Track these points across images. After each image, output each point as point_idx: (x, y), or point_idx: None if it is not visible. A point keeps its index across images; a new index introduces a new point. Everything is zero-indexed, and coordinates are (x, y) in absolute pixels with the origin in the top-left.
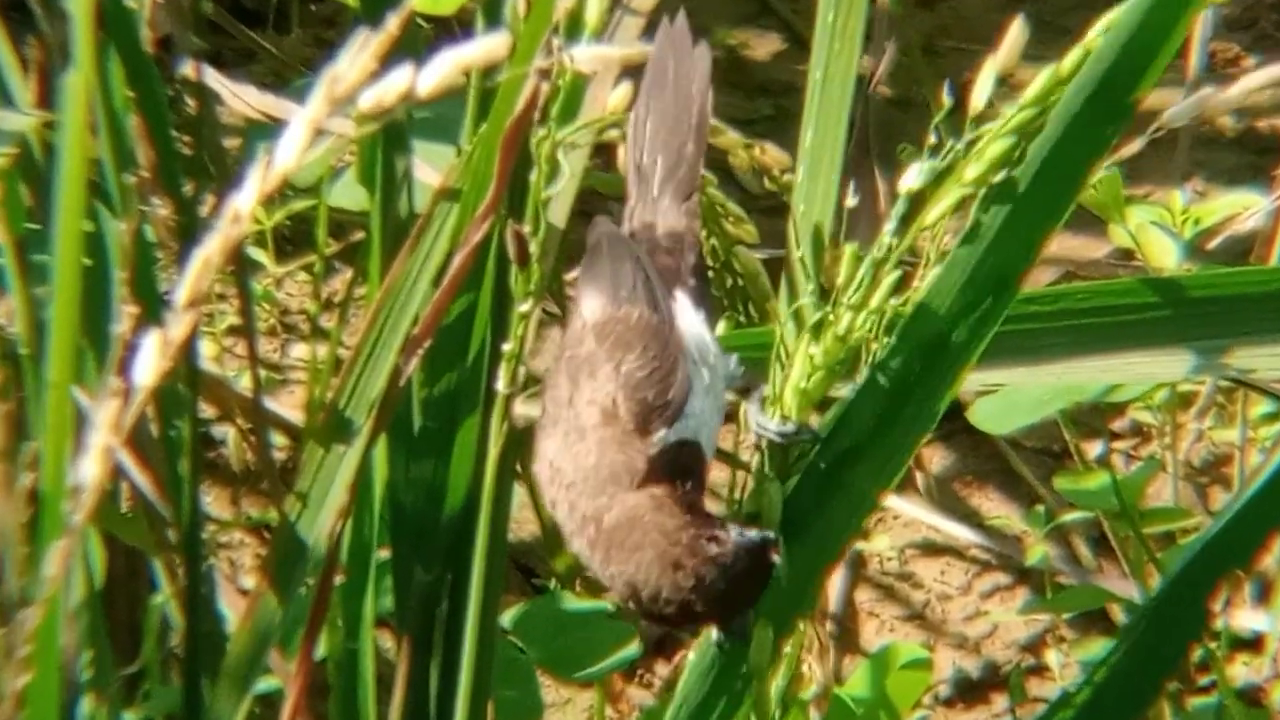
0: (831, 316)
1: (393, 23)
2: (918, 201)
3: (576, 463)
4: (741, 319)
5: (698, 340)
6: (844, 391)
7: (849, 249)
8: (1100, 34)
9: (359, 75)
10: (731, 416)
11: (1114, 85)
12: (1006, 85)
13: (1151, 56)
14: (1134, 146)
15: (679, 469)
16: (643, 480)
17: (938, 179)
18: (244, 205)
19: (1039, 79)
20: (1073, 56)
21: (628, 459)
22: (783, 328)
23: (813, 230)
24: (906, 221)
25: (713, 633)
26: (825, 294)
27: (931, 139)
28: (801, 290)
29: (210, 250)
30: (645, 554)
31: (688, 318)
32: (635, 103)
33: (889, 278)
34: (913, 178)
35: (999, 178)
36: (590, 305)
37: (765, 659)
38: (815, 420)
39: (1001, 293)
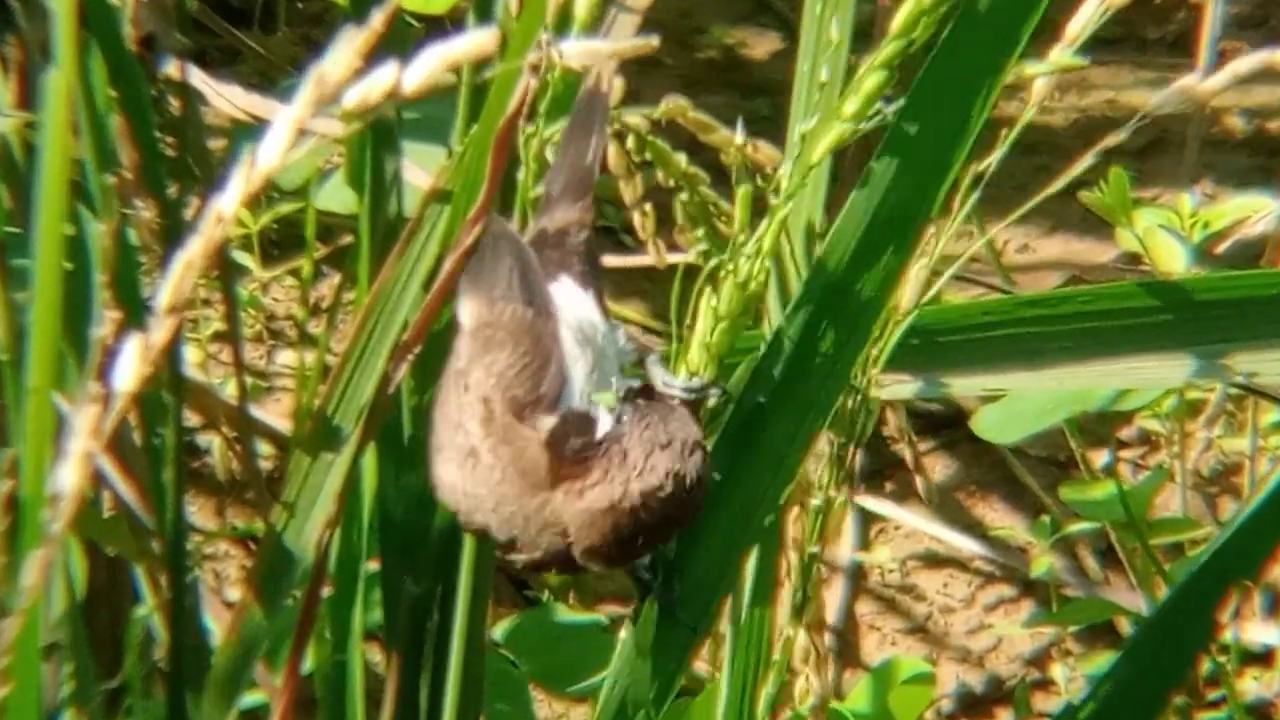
0: (730, 265)
1: (378, 19)
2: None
3: (488, 484)
4: None
5: (582, 321)
6: None
7: (741, 190)
8: None
9: (344, 73)
10: None
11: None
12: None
13: None
14: (1119, 136)
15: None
16: (551, 470)
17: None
18: (227, 206)
19: (904, 7)
20: None
21: (528, 457)
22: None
23: (805, 226)
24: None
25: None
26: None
27: None
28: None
29: (193, 253)
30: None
31: (573, 299)
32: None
33: (779, 215)
34: (808, 121)
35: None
36: (466, 312)
37: (647, 635)
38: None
39: (903, 240)
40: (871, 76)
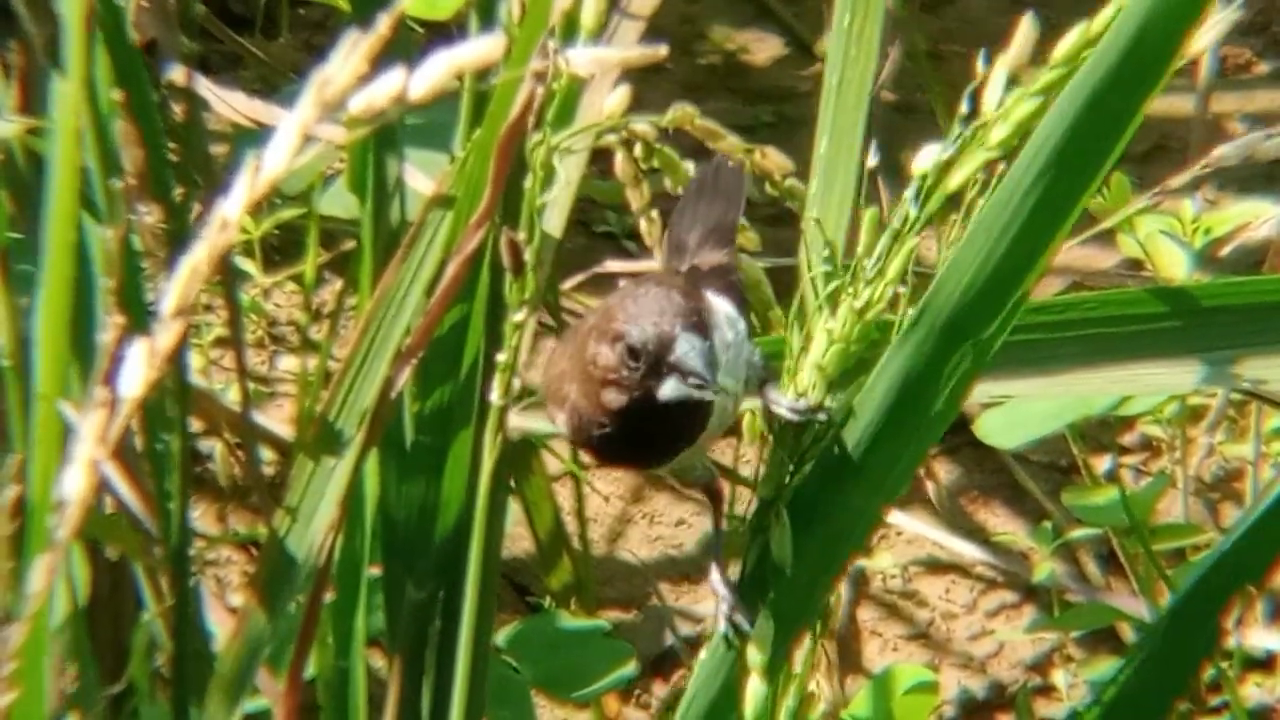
0: (850, 289)
1: (383, 24)
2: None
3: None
4: None
5: (728, 313)
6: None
7: (869, 214)
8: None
9: (349, 78)
10: (732, 431)
11: (1146, 43)
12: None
13: (1183, 21)
14: (1183, 178)
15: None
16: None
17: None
18: (232, 212)
19: (1069, 37)
20: (1103, 17)
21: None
22: (794, 318)
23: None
24: (929, 195)
25: (720, 626)
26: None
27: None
28: (816, 291)
29: (198, 258)
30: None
31: (724, 303)
32: (679, 206)
33: (907, 245)
34: (926, 159)
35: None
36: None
37: (764, 653)
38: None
39: (1027, 268)
40: (1022, 105)
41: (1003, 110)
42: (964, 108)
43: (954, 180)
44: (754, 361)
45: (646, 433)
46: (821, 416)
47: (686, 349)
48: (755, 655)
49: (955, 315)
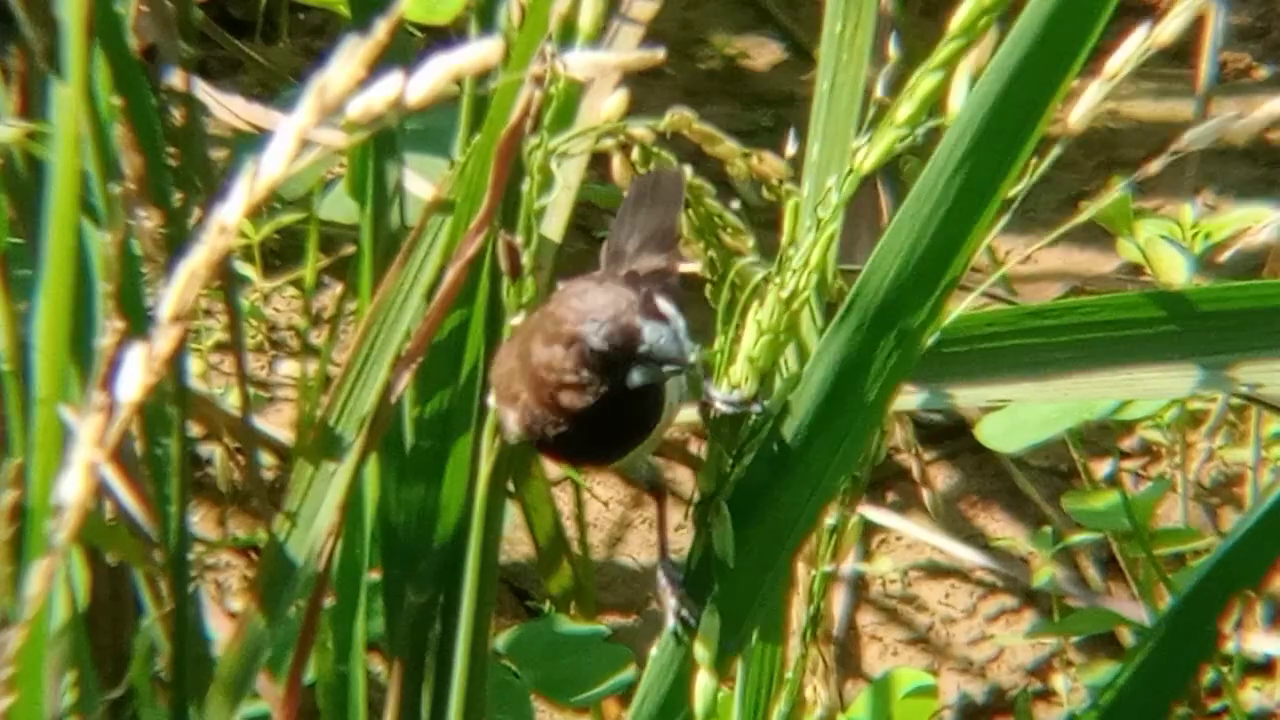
0: (777, 279)
1: (382, 29)
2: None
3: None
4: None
5: (669, 310)
6: None
7: (791, 202)
8: None
9: (348, 83)
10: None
11: (1064, 21)
12: None
13: None
14: (1153, 167)
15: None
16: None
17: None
18: (230, 217)
19: (964, 7)
20: None
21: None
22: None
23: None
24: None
25: (669, 622)
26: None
27: None
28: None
29: (196, 262)
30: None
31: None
32: (618, 215)
33: (827, 232)
34: (861, 139)
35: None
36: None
37: (711, 647)
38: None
39: (954, 254)
40: (926, 80)
41: (908, 87)
42: (879, 91)
43: (867, 163)
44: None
45: (605, 430)
46: (756, 409)
47: (656, 336)
48: (703, 651)
49: (885, 304)
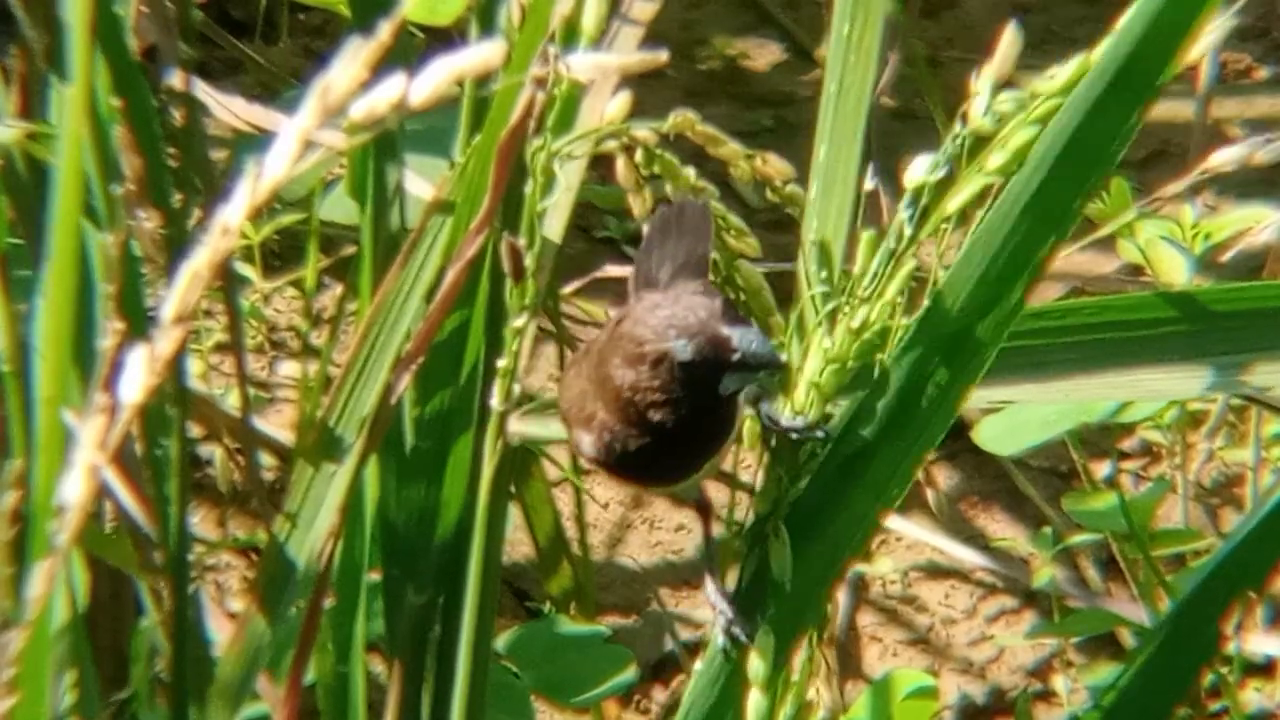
0: (846, 308)
1: (385, 31)
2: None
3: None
4: None
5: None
6: None
7: (866, 235)
8: (1125, 21)
9: (350, 84)
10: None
11: (1137, 69)
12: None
13: (1177, 36)
14: (1176, 187)
15: None
16: None
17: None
18: (233, 218)
19: (1069, 65)
20: (1102, 46)
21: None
22: (794, 328)
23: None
24: (925, 214)
25: (718, 638)
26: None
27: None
28: (816, 309)
29: (199, 264)
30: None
31: None
32: (643, 247)
33: (905, 268)
34: (920, 170)
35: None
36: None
37: (766, 666)
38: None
39: (1023, 280)
40: (1020, 133)
41: (1001, 138)
42: (957, 126)
43: (952, 204)
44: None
45: (688, 445)
46: (819, 434)
47: (747, 341)
48: (757, 667)
49: (953, 328)
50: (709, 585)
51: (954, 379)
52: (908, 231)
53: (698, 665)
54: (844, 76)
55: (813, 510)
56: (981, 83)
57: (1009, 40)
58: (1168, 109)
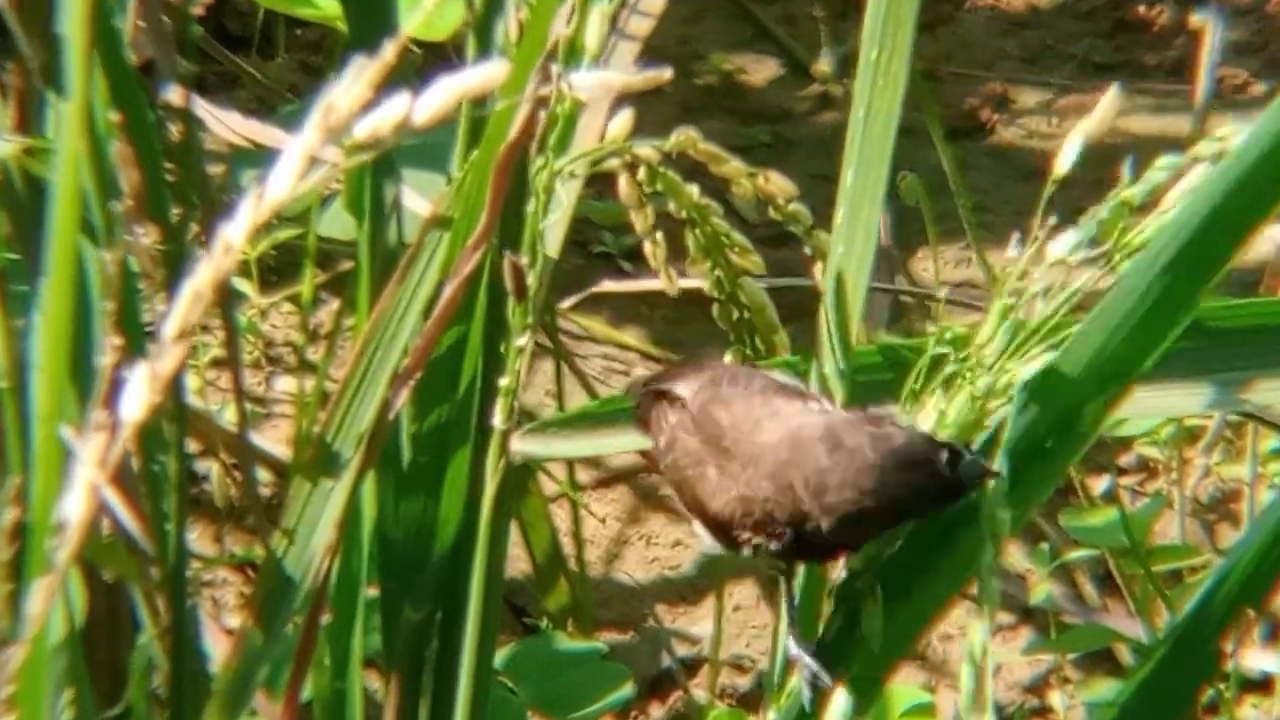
0: (966, 375)
1: (389, 50)
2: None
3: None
4: (749, 352)
5: None
6: None
7: (997, 305)
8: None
9: (354, 104)
10: None
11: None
12: (1006, 109)
13: None
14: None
15: None
16: None
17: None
18: (235, 236)
19: (1185, 181)
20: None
21: None
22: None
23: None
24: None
25: (804, 691)
26: None
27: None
28: (831, 330)
29: (200, 282)
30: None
31: None
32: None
33: (1036, 354)
34: (1064, 248)
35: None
36: None
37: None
38: None
39: (1137, 364)
40: (1155, 222)
41: (1125, 244)
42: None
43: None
44: None
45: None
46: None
47: (970, 464)
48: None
49: (1069, 401)
50: (789, 638)
51: (1062, 449)
52: (1040, 308)
53: (771, 716)
54: (872, 101)
55: (906, 570)
56: (1073, 137)
57: (1109, 100)
58: (1164, 123)
